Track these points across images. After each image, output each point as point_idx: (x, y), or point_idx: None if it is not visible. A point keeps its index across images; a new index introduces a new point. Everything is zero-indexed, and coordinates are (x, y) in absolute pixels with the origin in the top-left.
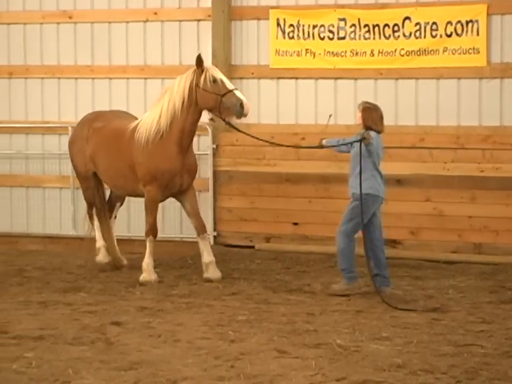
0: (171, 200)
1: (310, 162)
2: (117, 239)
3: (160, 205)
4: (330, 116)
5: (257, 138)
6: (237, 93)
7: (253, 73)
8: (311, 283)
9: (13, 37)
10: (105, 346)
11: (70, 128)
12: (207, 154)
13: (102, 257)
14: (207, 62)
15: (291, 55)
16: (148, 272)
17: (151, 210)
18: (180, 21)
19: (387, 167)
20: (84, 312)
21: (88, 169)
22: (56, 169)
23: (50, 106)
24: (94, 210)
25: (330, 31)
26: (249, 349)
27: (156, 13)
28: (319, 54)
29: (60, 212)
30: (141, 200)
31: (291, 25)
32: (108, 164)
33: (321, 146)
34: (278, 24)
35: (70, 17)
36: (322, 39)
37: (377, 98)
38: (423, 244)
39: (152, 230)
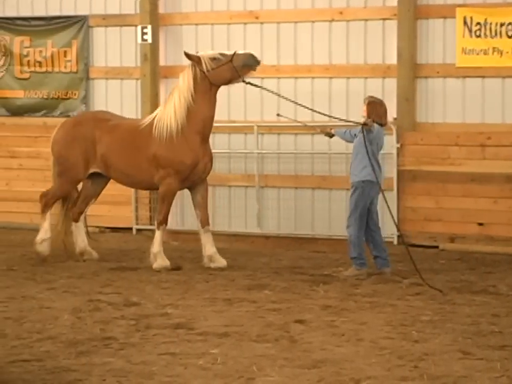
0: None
1: (496, 162)
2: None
3: (344, 206)
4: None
5: (276, 93)
6: (240, 51)
7: (438, 72)
8: (497, 284)
9: (201, 37)
10: (289, 344)
11: (255, 127)
12: (391, 153)
13: (44, 248)
14: (392, 60)
15: (478, 54)
16: (161, 259)
17: (168, 201)
18: (366, 20)
19: None
20: (268, 310)
21: (88, 168)
22: (241, 168)
23: (237, 106)
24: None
25: None
26: (433, 350)
27: (341, 13)
28: (507, 52)
29: (245, 210)
30: (323, 200)
31: (478, 23)
32: (126, 162)
33: (331, 135)
34: (465, 23)
35: (257, 18)
36: (510, 37)
37: None
38: None
39: (165, 219)
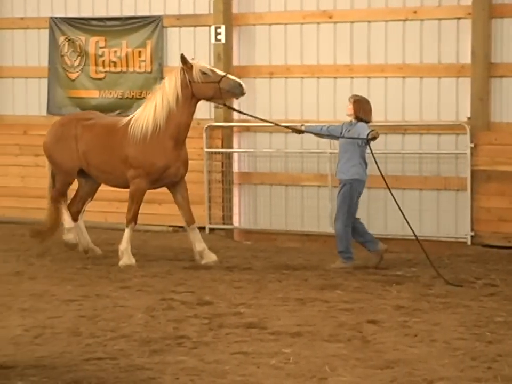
0: (424, 200)
1: None
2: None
3: (416, 206)
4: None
5: (248, 114)
6: (231, 76)
7: None
8: None
9: (274, 37)
10: (362, 344)
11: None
12: (465, 153)
13: (72, 236)
14: (466, 60)
15: None
16: (127, 256)
17: (137, 200)
18: (439, 19)
19: None
20: (340, 310)
21: (75, 166)
22: (314, 167)
23: (309, 105)
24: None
25: None
26: (507, 351)
27: (415, 12)
28: None
29: (317, 210)
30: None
31: None
32: (101, 159)
33: (300, 131)
34: None
35: (330, 17)
36: None
37: None
38: None
39: (135, 218)
